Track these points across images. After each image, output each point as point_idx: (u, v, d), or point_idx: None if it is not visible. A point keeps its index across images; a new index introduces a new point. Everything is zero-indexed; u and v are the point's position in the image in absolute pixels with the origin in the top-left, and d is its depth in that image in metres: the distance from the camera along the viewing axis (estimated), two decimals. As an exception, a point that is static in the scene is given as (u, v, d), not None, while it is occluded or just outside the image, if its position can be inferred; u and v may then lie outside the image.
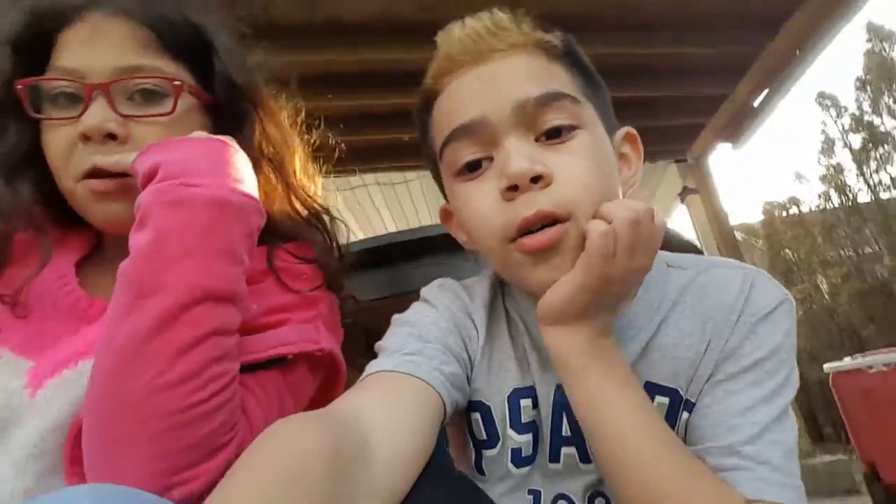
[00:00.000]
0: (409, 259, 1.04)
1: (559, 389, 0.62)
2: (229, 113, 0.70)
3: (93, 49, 0.63)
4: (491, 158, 0.58)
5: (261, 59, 0.76)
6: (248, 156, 0.64)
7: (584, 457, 0.62)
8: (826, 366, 3.17)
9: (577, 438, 0.62)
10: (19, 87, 0.63)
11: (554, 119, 0.57)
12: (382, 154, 3.49)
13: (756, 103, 3.42)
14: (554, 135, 0.57)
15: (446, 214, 0.70)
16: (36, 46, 0.64)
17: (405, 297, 1.00)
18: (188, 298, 0.52)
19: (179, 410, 0.49)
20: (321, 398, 0.71)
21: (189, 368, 0.51)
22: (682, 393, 0.60)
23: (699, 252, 1.17)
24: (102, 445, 0.51)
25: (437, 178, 0.68)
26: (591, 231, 0.53)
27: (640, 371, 0.61)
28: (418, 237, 1.04)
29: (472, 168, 0.59)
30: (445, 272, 0.99)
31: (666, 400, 0.60)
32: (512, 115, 0.56)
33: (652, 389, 0.60)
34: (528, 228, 0.55)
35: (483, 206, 0.58)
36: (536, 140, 0.57)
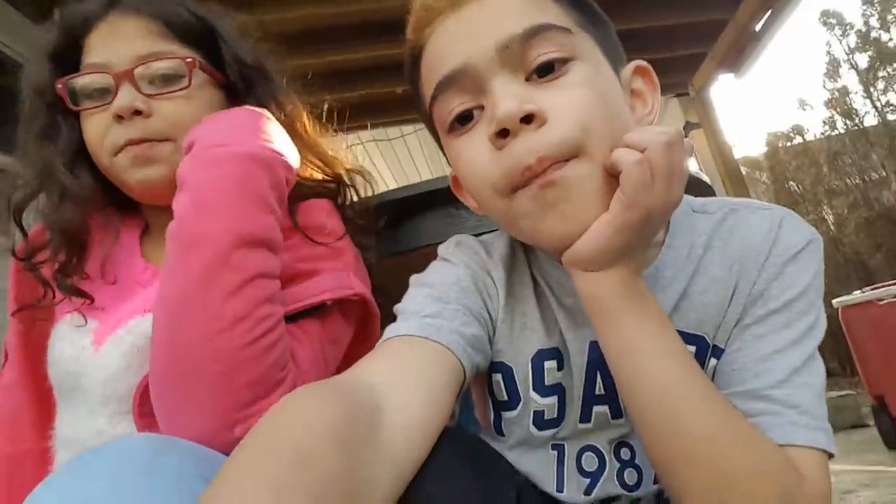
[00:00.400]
0: (413, 214, 1.01)
1: (594, 346, 0.60)
2: (242, 89, 0.80)
3: (114, 44, 0.73)
4: (482, 107, 0.54)
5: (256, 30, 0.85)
6: None
7: (616, 413, 0.62)
8: (835, 301, 3.13)
9: (610, 396, 0.61)
10: (59, 86, 0.74)
11: (543, 53, 0.52)
12: (376, 109, 3.39)
13: (758, 27, 3.25)
14: (546, 70, 0.52)
15: (455, 182, 0.67)
16: (70, 53, 0.75)
17: (413, 254, 0.98)
18: (227, 245, 0.59)
19: (235, 350, 0.56)
20: (358, 345, 0.78)
21: (238, 311, 0.57)
22: (708, 339, 0.59)
23: (708, 186, 1.10)
24: (169, 390, 0.57)
25: (436, 137, 0.64)
26: (623, 162, 0.49)
27: (672, 319, 0.58)
28: (423, 191, 1.00)
29: (464, 120, 0.56)
30: (453, 225, 0.95)
31: (693, 348, 0.58)
32: (496, 56, 0.53)
33: (682, 338, 0.57)
34: (529, 179, 0.51)
35: (477, 159, 0.54)
36: (528, 80, 0.53)
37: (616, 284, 0.52)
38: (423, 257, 0.70)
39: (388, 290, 0.75)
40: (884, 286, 3.11)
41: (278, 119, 0.76)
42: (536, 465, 0.63)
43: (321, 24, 2.71)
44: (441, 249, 0.67)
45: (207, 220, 0.60)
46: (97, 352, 0.68)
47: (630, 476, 0.62)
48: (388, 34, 2.81)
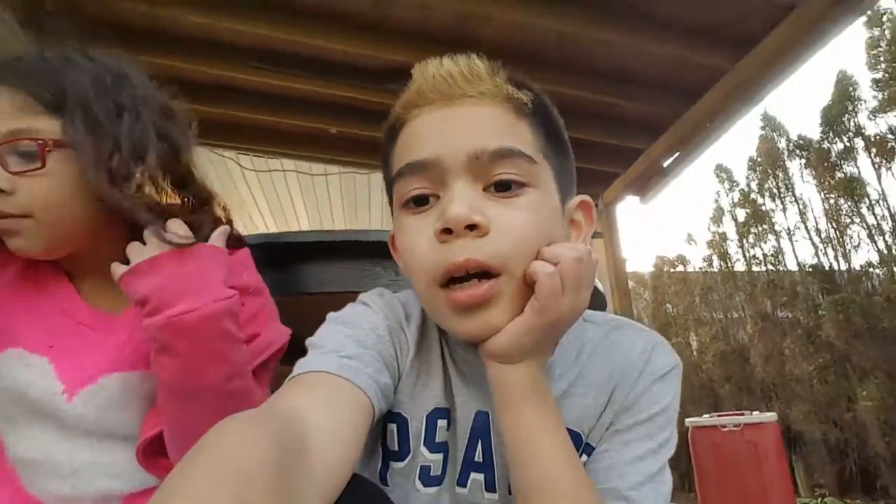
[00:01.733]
0: (332, 258, 1.04)
1: (479, 416, 0.65)
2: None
3: None
4: (438, 197, 0.60)
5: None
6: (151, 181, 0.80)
7: (490, 486, 0.65)
8: (688, 420, 3.41)
9: (487, 467, 0.65)
10: None
11: (505, 173, 0.59)
12: (305, 142, 3.39)
13: (666, 164, 3.65)
14: (503, 188, 0.59)
15: (393, 243, 0.71)
16: None
17: (323, 296, 1.02)
18: (224, 386, 0.69)
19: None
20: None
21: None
22: (583, 437, 0.66)
23: (601, 293, 1.21)
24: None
25: (390, 198, 0.69)
26: (539, 273, 0.56)
27: (562, 408, 0.65)
28: (348, 239, 1.05)
29: (419, 202, 0.61)
30: (366, 278, 0.98)
31: None
32: (465, 161, 0.58)
33: None
34: (454, 274, 0.56)
35: (419, 243, 0.60)
36: (485, 189, 0.59)
37: (524, 377, 0.58)
38: (335, 302, 0.72)
39: (294, 326, 0.80)
40: (727, 415, 3.46)
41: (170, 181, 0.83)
42: None
43: (274, 47, 2.72)
44: (363, 296, 0.69)
45: (202, 376, 0.68)
46: (71, 401, 0.75)
47: None
48: (338, 75, 2.88)
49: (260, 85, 2.90)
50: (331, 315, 0.65)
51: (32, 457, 0.75)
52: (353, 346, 0.58)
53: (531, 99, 0.62)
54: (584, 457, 0.65)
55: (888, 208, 5.76)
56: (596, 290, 1.25)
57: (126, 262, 0.72)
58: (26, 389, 0.75)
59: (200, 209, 0.85)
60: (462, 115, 0.60)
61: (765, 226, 6.78)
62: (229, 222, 0.87)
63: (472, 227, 0.56)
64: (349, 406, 0.53)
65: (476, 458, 0.65)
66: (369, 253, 1.02)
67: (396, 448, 0.65)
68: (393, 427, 0.65)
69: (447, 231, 0.56)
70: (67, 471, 0.74)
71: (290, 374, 0.57)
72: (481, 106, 0.60)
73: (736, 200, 7.12)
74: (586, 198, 0.69)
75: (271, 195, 4.54)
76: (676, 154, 3.56)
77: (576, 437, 0.64)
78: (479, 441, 0.65)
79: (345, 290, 0.78)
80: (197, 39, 2.53)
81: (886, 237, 5.73)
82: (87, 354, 0.77)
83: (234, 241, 0.84)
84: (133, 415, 0.78)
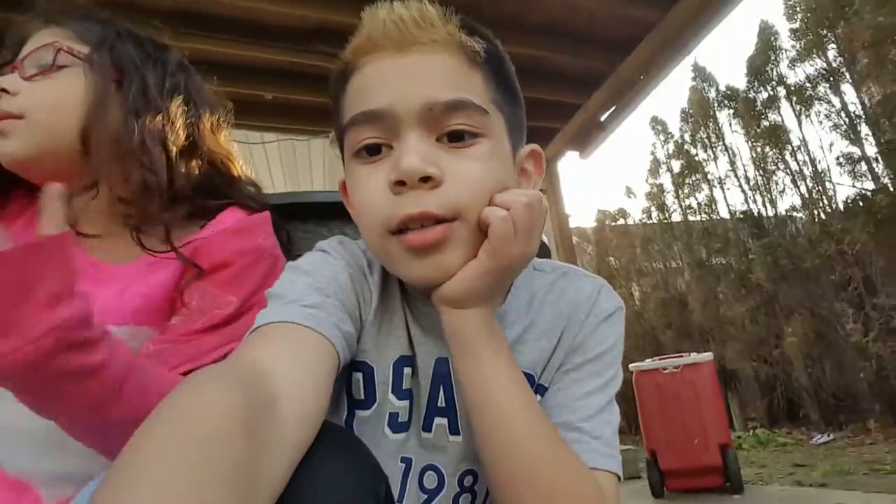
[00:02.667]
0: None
1: (439, 362, 0.66)
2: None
3: (24, 47, 0.79)
4: (391, 146, 0.59)
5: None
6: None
7: (454, 428, 0.66)
8: (631, 365, 3.56)
9: (450, 411, 0.66)
10: None
11: (458, 124, 0.58)
12: (240, 109, 3.25)
13: (604, 118, 3.70)
14: (456, 138, 0.58)
15: (344, 189, 0.69)
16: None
17: None
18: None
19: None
20: None
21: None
22: (535, 378, 0.67)
23: (546, 248, 1.23)
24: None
25: (341, 150, 0.67)
26: (492, 217, 0.56)
27: (517, 352, 0.66)
28: (284, 201, 1.00)
29: (371, 152, 0.60)
30: (308, 240, 0.96)
31: None
32: (418, 112, 0.57)
33: None
34: (408, 225, 0.56)
35: (372, 193, 0.58)
36: (438, 140, 0.58)
37: (478, 322, 0.59)
38: None
39: None
40: (668, 357, 3.64)
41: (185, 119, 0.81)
42: None
43: (198, 9, 2.57)
44: (323, 243, 0.68)
45: (88, 419, 0.59)
46: None
47: (465, 500, 0.67)
48: (270, 38, 2.75)
49: (189, 51, 2.75)
50: (290, 264, 0.64)
51: (3, 426, 0.67)
52: (315, 295, 0.57)
53: (484, 48, 0.61)
54: (538, 397, 0.66)
55: (808, 154, 6.09)
56: (542, 244, 1.27)
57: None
58: None
59: (216, 176, 0.85)
60: (414, 64, 0.58)
61: (698, 175, 7.06)
62: (252, 184, 0.87)
63: (425, 178, 0.55)
64: (315, 355, 0.52)
65: (439, 404, 0.66)
66: (313, 214, 0.98)
67: (363, 397, 0.65)
68: (359, 376, 0.65)
69: (401, 183, 0.56)
70: (44, 442, 0.65)
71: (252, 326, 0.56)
72: (434, 54, 0.59)
73: (671, 152, 7.37)
74: (536, 147, 0.69)
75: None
76: (613, 108, 3.61)
77: (529, 378, 0.66)
78: (441, 386, 0.66)
79: (291, 254, 0.75)
80: (118, 5, 2.36)
81: (808, 182, 6.07)
82: None
83: (254, 204, 0.84)
84: None
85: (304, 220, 1.00)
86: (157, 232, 0.76)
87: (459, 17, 0.62)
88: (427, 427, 0.66)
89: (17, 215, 0.82)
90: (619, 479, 0.62)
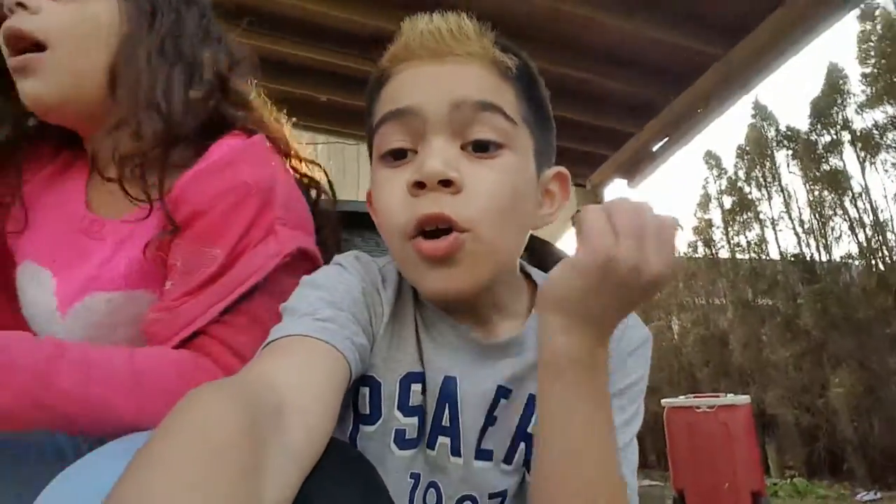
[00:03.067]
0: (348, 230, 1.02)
1: (448, 381, 0.64)
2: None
3: None
4: (416, 151, 0.59)
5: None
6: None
7: (455, 451, 0.64)
8: (663, 401, 3.49)
9: (453, 431, 0.64)
10: None
11: (484, 131, 0.58)
12: (294, 109, 3.34)
13: (656, 148, 3.67)
14: (481, 148, 0.58)
15: (370, 196, 0.70)
16: None
17: None
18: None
19: None
20: None
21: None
22: None
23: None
24: None
25: (371, 156, 0.68)
26: (583, 211, 0.50)
27: (529, 382, 0.65)
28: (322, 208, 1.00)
29: (397, 156, 0.60)
30: (344, 248, 0.96)
31: None
32: (447, 113, 0.57)
33: (535, 401, 0.64)
34: (425, 227, 0.56)
35: (393, 196, 0.59)
36: (463, 147, 0.58)
37: (579, 346, 0.52)
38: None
39: None
40: (703, 396, 3.54)
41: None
42: (392, 489, 0.64)
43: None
44: (339, 257, 0.68)
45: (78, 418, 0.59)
46: (63, 319, 0.69)
47: None
48: (330, 41, 2.85)
49: (251, 49, 2.86)
50: (305, 278, 0.64)
51: None
52: (328, 309, 0.57)
53: (516, 64, 0.62)
54: None
55: (870, 202, 5.85)
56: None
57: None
58: (35, 305, 0.70)
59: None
60: (447, 72, 0.60)
61: (750, 214, 6.87)
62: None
63: (446, 182, 0.56)
64: (325, 367, 0.52)
65: (443, 423, 0.65)
66: (349, 223, 0.97)
67: (368, 411, 0.64)
68: (365, 390, 0.64)
69: (420, 185, 0.56)
70: None
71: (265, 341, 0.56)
72: (467, 65, 0.60)
73: (723, 188, 7.19)
74: (563, 169, 0.68)
75: None
76: (666, 139, 3.57)
77: None
78: (447, 405, 0.65)
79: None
80: None
81: (867, 230, 5.83)
82: (81, 267, 0.70)
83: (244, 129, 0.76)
84: (120, 339, 0.69)
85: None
86: (150, 180, 0.69)
87: (494, 34, 0.63)
88: (431, 445, 0.65)
89: (39, 169, 0.77)
90: None
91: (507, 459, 0.65)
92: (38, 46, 0.67)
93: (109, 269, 0.69)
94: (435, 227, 0.56)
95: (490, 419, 0.65)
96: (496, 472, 0.65)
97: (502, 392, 0.64)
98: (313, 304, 0.57)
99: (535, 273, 0.71)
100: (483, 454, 0.65)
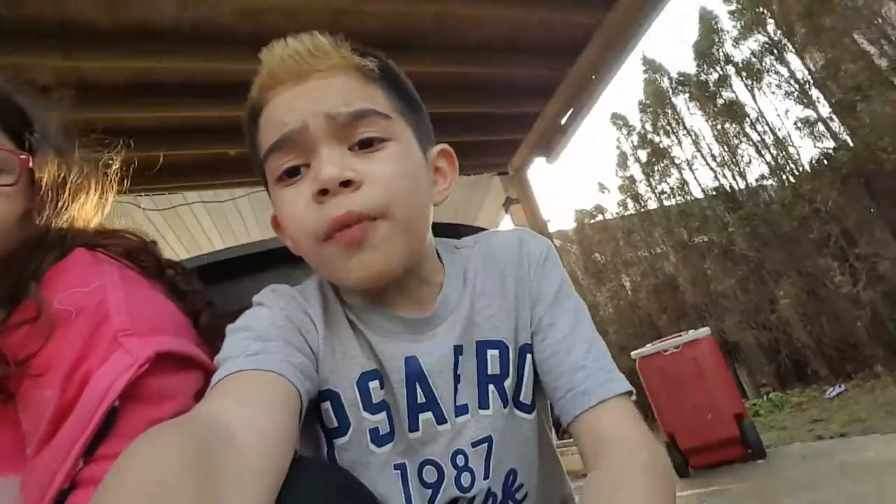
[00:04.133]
0: (249, 273, 0.99)
1: (409, 361, 0.66)
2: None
3: None
4: (308, 165, 0.62)
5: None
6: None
7: (440, 419, 0.67)
8: (633, 353, 3.61)
9: (432, 403, 0.67)
10: None
11: (365, 131, 0.62)
12: (209, 170, 3.28)
13: (563, 121, 3.81)
14: (366, 144, 0.62)
15: (276, 222, 0.72)
16: None
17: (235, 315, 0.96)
18: None
19: None
20: None
21: None
22: (507, 342, 0.69)
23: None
24: None
25: (265, 185, 0.69)
26: None
27: (470, 333, 0.69)
28: (259, 250, 0.98)
29: (291, 174, 0.62)
30: (289, 283, 0.96)
31: (496, 351, 0.69)
32: (326, 125, 0.60)
33: (483, 346, 0.69)
34: (338, 227, 0.59)
35: (298, 208, 0.61)
36: (350, 149, 0.61)
37: None
38: None
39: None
40: (667, 339, 3.69)
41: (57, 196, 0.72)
42: (382, 487, 0.66)
43: (153, 78, 2.63)
44: (256, 297, 0.69)
45: None
46: None
47: (465, 479, 0.68)
48: (224, 96, 2.83)
49: (145, 120, 2.80)
50: (229, 327, 0.64)
51: None
52: (256, 343, 0.58)
53: (377, 65, 0.65)
54: (529, 356, 0.70)
55: (768, 124, 6.29)
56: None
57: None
58: None
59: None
60: (316, 87, 0.62)
61: (666, 161, 7.22)
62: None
63: (346, 183, 0.59)
64: (269, 393, 0.53)
65: (419, 400, 0.67)
66: (289, 259, 1.01)
67: (336, 424, 0.66)
68: (327, 405, 0.66)
69: (323, 192, 0.59)
70: None
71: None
72: (332, 77, 0.63)
73: (636, 143, 7.53)
74: (446, 146, 0.73)
75: (181, 230, 4.33)
76: (571, 110, 3.71)
77: (500, 345, 0.70)
78: (417, 383, 0.67)
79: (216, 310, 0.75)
80: (69, 82, 2.42)
81: (772, 150, 6.25)
82: None
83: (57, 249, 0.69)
84: None
85: (279, 266, 0.97)
86: None
87: (349, 43, 0.66)
88: (413, 427, 0.67)
89: None
90: (631, 393, 0.65)
91: (483, 404, 0.69)
92: None
93: None
94: (349, 225, 0.59)
95: (456, 377, 0.68)
96: (475, 420, 0.68)
97: (458, 350, 0.68)
98: (241, 345, 0.58)
99: (438, 241, 0.75)
100: (461, 409, 0.68)
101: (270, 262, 0.98)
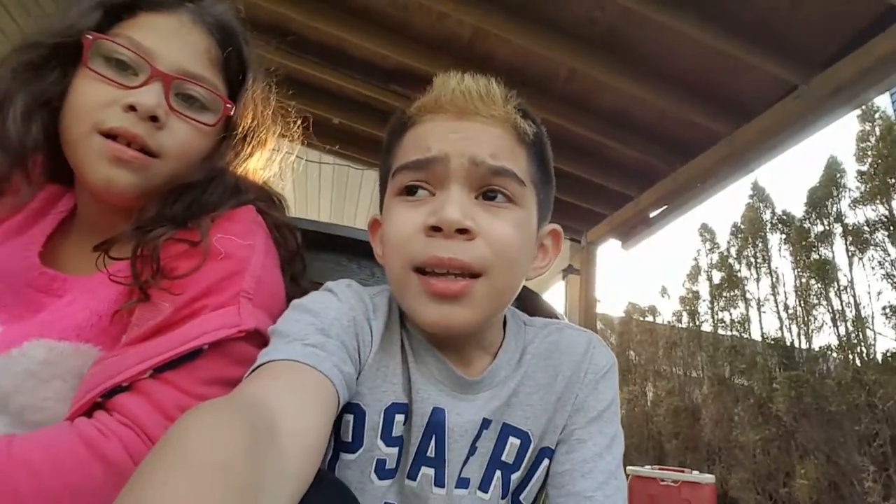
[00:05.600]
0: (307, 248, 1.02)
1: (436, 412, 0.66)
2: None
3: (173, 43, 0.70)
4: (433, 193, 0.63)
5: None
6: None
7: (440, 481, 0.66)
8: (629, 468, 3.45)
9: (438, 462, 0.66)
10: (89, 37, 0.68)
11: (497, 188, 0.63)
12: (308, 127, 3.38)
13: (653, 215, 3.71)
14: (491, 197, 0.63)
15: (374, 225, 0.74)
16: (116, 11, 0.71)
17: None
18: None
19: None
20: None
21: None
22: (531, 436, 0.68)
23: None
24: None
25: (382, 191, 0.72)
26: None
27: (503, 413, 0.68)
28: (327, 232, 1.02)
29: (412, 192, 0.64)
30: (341, 273, 0.97)
31: (518, 441, 0.68)
32: (466, 164, 0.62)
33: (507, 431, 0.68)
34: (433, 267, 0.60)
35: (406, 230, 0.62)
36: (476, 197, 0.63)
37: None
38: (302, 292, 0.71)
39: None
40: (669, 469, 3.50)
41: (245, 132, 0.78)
42: None
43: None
44: (330, 284, 0.69)
45: None
46: None
47: None
48: (351, 69, 2.90)
49: (276, 65, 2.91)
50: (295, 302, 0.65)
51: None
52: (317, 335, 0.58)
53: (533, 131, 0.67)
54: (546, 461, 0.68)
55: (854, 296, 5.93)
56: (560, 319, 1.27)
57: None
58: None
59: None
60: (470, 129, 0.64)
61: (737, 291, 6.92)
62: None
63: (462, 230, 0.60)
64: (315, 392, 0.53)
65: (428, 453, 0.66)
66: (348, 249, 0.99)
67: (350, 439, 0.65)
68: (349, 418, 0.65)
69: (437, 229, 0.60)
70: None
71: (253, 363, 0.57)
72: (490, 126, 0.64)
73: (714, 262, 7.27)
74: (557, 227, 0.74)
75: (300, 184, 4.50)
76: (664, 207, 3.62)
77: (523, 436, 0.68)
78: (434, 436, 0.66)
79: (318, 282, 0.74)
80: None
81: (848, 324, 5.89)
82: (25, 319, 0.66)
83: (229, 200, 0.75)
84: (52, 394, 0.63)
85: (339, 252, 1.02)
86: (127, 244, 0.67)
87: (518, 101, 0.68)
88: (412, 475, 0.66)
89: (13, 211, 0.75)
90: None
91: (484, 487, 0.67)
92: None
93: (63, 318, 0.66)
94: (445, 272, 0.60)
95: (472, 449, 0.67)
96: (471, 498, 0.67)
97: (485, 423, 0.67)
98: (303, 330, 0.59)
99: (509, 310, 0.75)
100: (462, 482, 0.67)
101: (333, 246, 1.02)
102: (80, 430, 0.56)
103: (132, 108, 0.67)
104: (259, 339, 0.65)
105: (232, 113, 0.76)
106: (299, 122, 0.95)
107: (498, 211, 0.63)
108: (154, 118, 0.68)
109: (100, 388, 0.59)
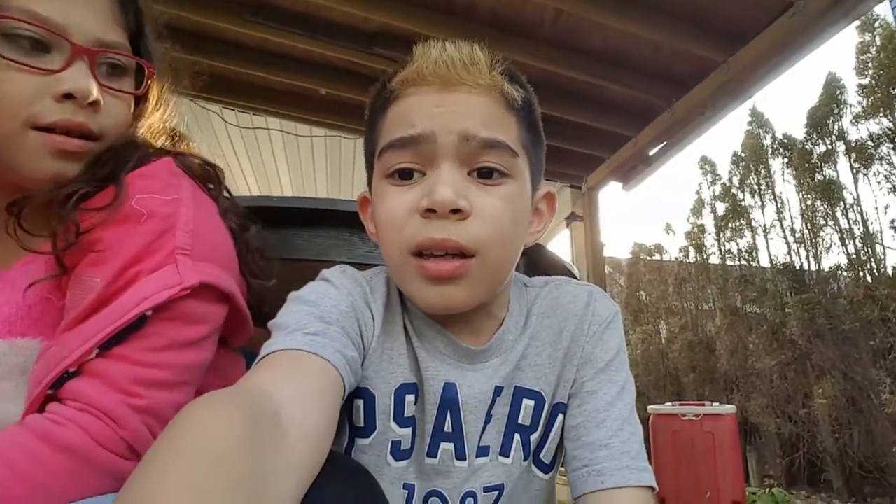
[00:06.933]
0: (310, 225, 1.01)
1: (448, 387, 0.66)
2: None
3: (80, 11, 0.63)
4: (423, 173, 0.62)
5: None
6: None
7: (461, 454, 0.67)
8: (650, 407, 3.49)
9: (456, 436, 0.67)
10: None
11: (490, 162, 0.62)
12: (295, 101, 3.30)
13: (652, 152, 3.65)
14: (486, 174, 0.62)
15: (364, 202, 0.74)
16: None
17: (297, 263, 0.98)
18: None
19: None
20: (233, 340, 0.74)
21: None
22: (545, 395, 0.69)
23: (575, 277, 1.22)
24: None
25: (369, 168, 0.70)
26: None
27: (514, 377, 0.69)
28: (326, 207, 1.00)
29: (404, 175, 0.63)
30: (342, 247, 0.96)
31: (532, 402, 0.69)
32: (456, 141, 0.60)
33: (521, 394, 0.69)
34: (429, 249, 0.59)
35: (400, 213, 0.61)
36: (469, 173, 0.62)
37: None
38: (311, 269, 0.71)
39: (264, 294, 0.74)
40: (688, 404, 3.55)
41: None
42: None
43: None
44: (326, 272, 0.69)
45: None
46: None
47: None
48: (332, 36, 2.81)
49: (254, 40, 2.81)
50: (292, 295, 0.65)
51: None
52: (317, 323, 0.59)
53: (522, 97, 0.65)
54: (561, 416, 0.69)
55: (861, 213, 5.88)
56: (570, 272, 1.26)
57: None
58: None
59: None
60: (456, 101, 0.62)
61: (742, 221, 6.88)
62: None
63: (455, 210, 0.59)
64: (318, 379, 0.53)
65: (446, 429, 0.66)
66: (349, 223, 1.01)
67: (362, 424, 0.66)
68: (360, 403, 0.66)
69: (431, 211, 0.59)
70: None
71: (257, 357, 0.57)
72: (476, 96, 0.62)
73: (717, 194, 7.20)
74: (552, 189, 0.73)
75: (254, 154, 4.42)
76: (663, 143, 3.56)
77: (537, 397, 0.69)
78: (448, 411, 0.66)
79: (322, 259, 0.74)
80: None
81: (857, 241, 5.86)
82: None
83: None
84: (1, 396, 0.61)
85: (340, 227, 1.00)
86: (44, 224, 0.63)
87: (504, 66, 0.65)
88: (432, 453, 0.67)
89: None
90: (653, 490, 0.62)
91: (504, 452, 0.68)
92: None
93: None
94: (443, 253, 0.59)
95: (488, 418, 0.68)
96: (493, 465, 0.67)
97: (498, 391, 0.68)
98: (303, 320, 0.58)
99: (515, 276, 0.75)
100: (482, 451, 0.67)
101: (333, 221, 1.00)
102: (32, 426, 0.54)
103: (68, 96, 0.63)
104: (211, 293, 0.64)
105: (153, 74, 0.73)
106: (197, 73, 0.89)
107: (492, 188, 0.62)
108: (93, 103, 0.64)
109: (46, 379, 0.56)
